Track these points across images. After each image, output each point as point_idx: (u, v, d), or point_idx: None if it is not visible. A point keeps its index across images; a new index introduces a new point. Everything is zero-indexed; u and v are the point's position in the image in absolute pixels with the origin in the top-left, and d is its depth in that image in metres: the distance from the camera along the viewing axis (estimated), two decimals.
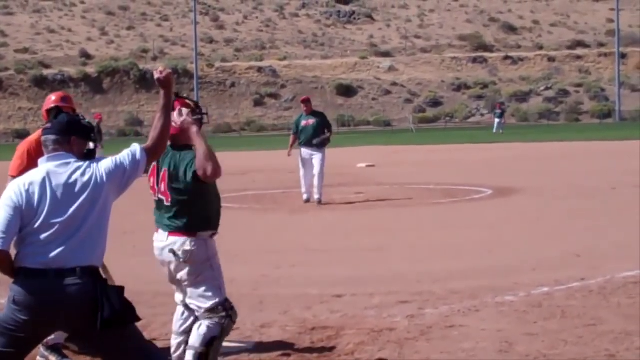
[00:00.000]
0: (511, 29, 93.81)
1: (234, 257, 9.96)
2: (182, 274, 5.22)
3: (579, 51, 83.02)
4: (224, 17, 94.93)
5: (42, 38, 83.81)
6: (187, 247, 5.13)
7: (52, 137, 4.17)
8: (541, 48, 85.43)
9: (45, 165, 4.13)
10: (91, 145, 4.25)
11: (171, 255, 5.15)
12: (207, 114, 5.48)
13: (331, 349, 6.02)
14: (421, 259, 9.56)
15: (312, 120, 15.10)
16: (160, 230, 5.24)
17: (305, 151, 15.08)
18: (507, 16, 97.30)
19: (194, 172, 5.07)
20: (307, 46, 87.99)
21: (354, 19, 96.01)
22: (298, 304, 7.39)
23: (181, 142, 5.18)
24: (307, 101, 15.48)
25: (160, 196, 5.23)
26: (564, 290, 7.60)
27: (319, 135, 14.98)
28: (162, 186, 5.21)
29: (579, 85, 74.23)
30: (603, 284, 7.79)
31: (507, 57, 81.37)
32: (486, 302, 7.23)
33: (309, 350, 6.02)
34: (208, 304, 5.22)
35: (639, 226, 10.92)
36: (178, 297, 5.46)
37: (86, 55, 78.44)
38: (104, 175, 4.12)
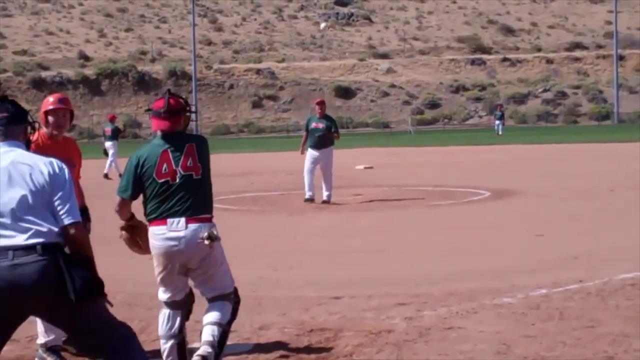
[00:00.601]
0: (509, 30, 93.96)
1: (232, 258, 9.92)
2: (208, 262, 5.25)
3: (577, 53, 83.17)
4: (223, 19, 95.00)
5: (40, 40, 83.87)
6: (215, 230, 5.22)
7: (5, 128, 4.25)
8: (539, 50, 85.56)
9: None
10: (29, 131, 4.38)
11: (200, 241, 5.14)
12: (195, 112, 5.65)
13: (329, 350, 6.02)
14: (419, 260, 9.56)
15: (321, 125, 15.43)
16: (169, 220, 5.19)
17: (312, 152, 15.50)
18: (505, 18, 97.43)
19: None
20: (305, 48, 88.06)
21: (353, 20, 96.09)
22: (296, 305, 7.39)
23: (176, 129, 5.35)
24: (321, 103, 15.77)
25: (185, 172, 5.22)
26: (562, 292, 7.60)
27: (326, 139, 15.37)
28: (190, 161, 5.25)
29: (577, 87, 74.36)
30: (601, 286, 7.79)
31: (505, 59, 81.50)
32: (484, 304, 7.23)
33: (307, 351, 6.02)
34: (228, 290, 5.41)
35: (637, 228, 10.92)
36: (164, 295, 5.41)
37: (84, 57, 78.52)
38: (47, 168, 4.17)
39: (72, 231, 4.15)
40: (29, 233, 4.03)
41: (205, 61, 77.87)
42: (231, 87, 73.75)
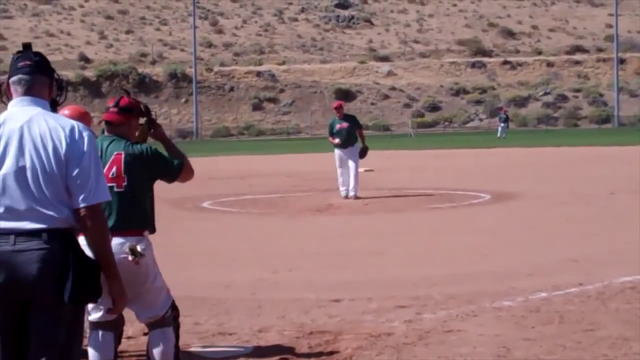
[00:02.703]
0: (510, 34, 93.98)
1: (232, 261, 9.96)
2: (135, 279, 4.80)
3: (578, 56, 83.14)
4: (223, 22, 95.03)
5: (41, 42, 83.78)
6: (142, 245, 4.85)
7: (29, 76, 3.65)
8: (540, 53, 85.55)
9: (7, 110, 3.62)
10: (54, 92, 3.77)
11: (124, 257, 4.74)
12: (155, 118, 5.34)
13: (329, 353, 6.01)
14: (419, 263, 9.55)
15: (345, 124, 16.36)
16: None
17: (340, 153, 16.28)
18: (506, 21, 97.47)
19: (164, 176, 5.08)
20: (306, 50, 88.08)
21: (353, 23, 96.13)
22: (296, 308, 7.38)
23: (120, 132, 5.06)
24: (339, 107, 16.83)
25: (108, 184, 4.66)
26: (562, 295, 7.59)
27: (352, 137, 16.22)
28: (113, 171, 4.89)
29: (578, 91, 74.32)
30: (601, 289, 7.79)
31: (505, 62, 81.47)
32: (484, 307, 7.22)
33: (307, 354, 6.01)
34: (164, 310, 5.02)
35: (637, 231, 10.91)
36: (95, 315, 4.92)
37: (85, 59, 78.53)
38: (64, 134, 3.54)
39: (84, 216, 3.53)
40: (36, 215, 3.46)
41: (206, 63, 77.87)
42: (231, 89, 73.73)
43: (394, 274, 8.87)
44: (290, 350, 6.11)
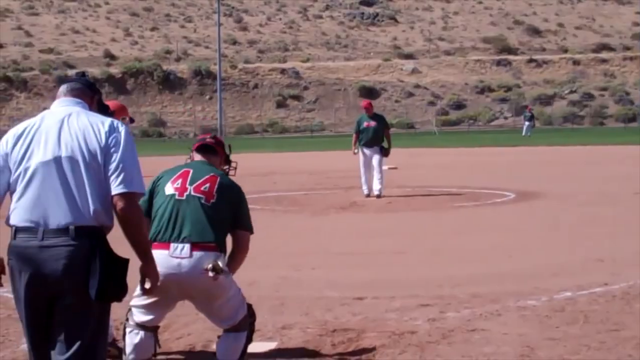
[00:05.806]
0: (536, 31, 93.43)
1: (255, 258, 9.95)
2: (211, 295, 4.90)
3: (604, 54, 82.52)
4: (248, 19, 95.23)
5: (66, 38, 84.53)
6: (222, 262, 4.89)
7: (76, 85, 3.90)
8: (566, 51, 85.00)
9: (49, 109, 3.84)
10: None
11: (204, 272, 4.78)
12: (235, 168, 5.55)
13: (352, 351, 6.02)
14: (443, 262, 9.53)
15: (373, 123, 16.49)
16: (173, 244, 4.81)
17: (365, 150, 16.34)
18: (531, 19, 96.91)
19: (235, 222, 5.12)
20: (330, 48, 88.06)
21: (378, 20, 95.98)
22: (319, 306, 7.38)
23: (213, 161, 5.29)
24: (370, 105, 16.98)
25: (195, 193, 4.94)
26: (587, 295, 7.55)
27: (379, 137, 16.33)
28: (206, 187, 5.00)
29: (604, 89, 73.78)
30: (626, 289, 7.73)
31: (531, 60, 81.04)
32: (508, 306, 7.19)
33: (330, 352, 6.02)
34: (239, 317, 5.12)
35: None
36: (143, 317, 4.96)
37: (110, 56, 79.01)
38: (102, 128, 3.71)
39: (119, 204, 3.60)
40: (65, 211, 3.53)
41: (230, 60, 78.09)
42: (256, 86, 73.91)
43: (418, 272, 8.86)
44: (313, 347, 6.12)
